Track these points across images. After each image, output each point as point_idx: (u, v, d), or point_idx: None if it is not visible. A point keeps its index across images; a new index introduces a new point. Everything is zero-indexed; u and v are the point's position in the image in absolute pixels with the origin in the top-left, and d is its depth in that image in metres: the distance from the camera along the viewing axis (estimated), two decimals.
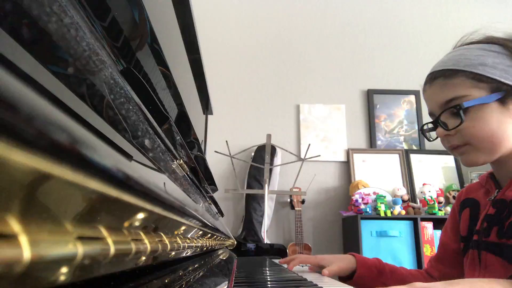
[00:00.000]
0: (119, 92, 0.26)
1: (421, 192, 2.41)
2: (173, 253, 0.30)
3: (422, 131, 0.81)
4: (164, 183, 0.26)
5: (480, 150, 0.68)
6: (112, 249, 0.15)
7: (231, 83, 2.82)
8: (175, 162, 0.47)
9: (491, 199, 0.72)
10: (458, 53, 0.72)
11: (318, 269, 0.91)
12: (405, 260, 2.19)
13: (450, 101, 0.69)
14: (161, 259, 0.27)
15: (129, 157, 0.20)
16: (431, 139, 0.79)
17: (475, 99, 0.67)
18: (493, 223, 0.68)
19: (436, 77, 0.73)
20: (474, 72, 0.67)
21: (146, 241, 0.21)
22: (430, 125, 0.77)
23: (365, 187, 2.46)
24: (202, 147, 1.26)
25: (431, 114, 0.76)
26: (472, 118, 0.67)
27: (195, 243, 0.42)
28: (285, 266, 1.01)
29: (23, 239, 0.09)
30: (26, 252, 0.09)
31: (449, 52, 0.76)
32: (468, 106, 0.67)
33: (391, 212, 2.29)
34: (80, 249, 0.12)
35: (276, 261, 1.25)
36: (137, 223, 0.20)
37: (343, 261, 0.88)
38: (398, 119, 2.82)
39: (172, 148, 0.46)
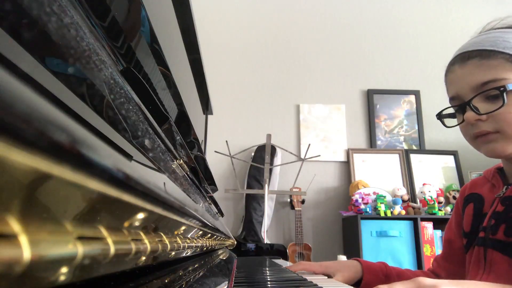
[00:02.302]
0: (119, 92, 0.26)
1: (421, 192, 2.41)
2: (173, 253, 0.30)
3: (439, 116, 0.75)
4: (164, 183, 0.26)
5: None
6: (112, 249, 0.15)
7: (231, 83, 2.82)
8: (175, 162, 0.47)
9: (499, 195, 0.70)
10: (493, 35, 0.67)
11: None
12: (405, 260, 2.19)
13: (487, 83, 0.65)
14: (161, 259, 0.27)
15: (129, 157, 0.20)
16: (448, 126, 0.75)
17: None
18: (501, 221, 0.67)
19: (471, 57, 0.67)
20: None
21: (146, 241, 0.21)
22: (450, 110, 0.73)
23: (365, 187, 2.46)
24: (202, 147, 1.26)
25: (455, 98, 0.70)
26: (510, 103, 0.63)
27: (195, 243, 0.42)
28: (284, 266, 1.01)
29: (23, 239, 0.09)
30: (26, 252, 0.09)
31: (479, 34, 0.71)
32: (509, 90, 0.62)
33: (391, 212, 2.29)
34: (80, 249, 0.12)
35: (277, 261, 1.25)
36: (137, 223, 0.20)
37: (349, 270, 0.84)
38: (398, 119, 2.82)
39: (172, 148, 0.46)
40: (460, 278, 0.83)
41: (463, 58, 0.68)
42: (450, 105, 0.73)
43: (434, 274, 0.89)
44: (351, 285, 0.83)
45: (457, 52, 0.71)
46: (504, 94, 0.62)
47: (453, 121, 0.74)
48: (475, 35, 0.71)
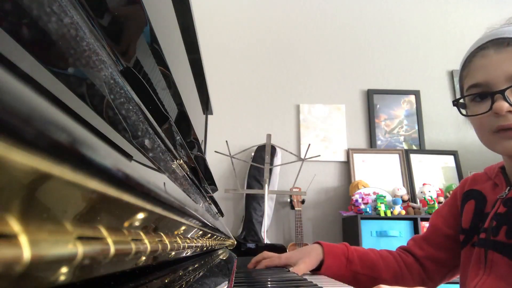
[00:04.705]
0: (119, 92, 0.26)
1: (421, 192, 2.41)
2: (173, 253, 0.30)
3: (456, 103, 0.71)
4: (164, 183, 0.26)
5: None
6: (112, 249, 0.15)
7: (231, 83, 2.82)
8: (175, 162, 0.47)
9: (502, 196, 0.69)
10: None
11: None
12: None
13: None
14: (161, 259, 0.27)
15: (129, 157, 0.20)
16: (465, 114, 0.70)
17: None
18: (502, 223, 0.66)
19: (510, 44, 0.63)
20: None
21: (146, 241, 0.21)
22: (468, 98, 0.68)
23: (365, 187, 2.46)
24: (202, 147, 1.26)
25: (480, 85, 0.66)
26: None
27: (195, 243, 0.42)
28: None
29: (23, 239, 0.09)
30: (26, 252, 0.09)
31: (510, 24, 0.67)
32: None
33: (391, 212, 2.29)
34: (80, 249, 0.12)
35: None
36: (137, 223, 0.20)
37: (309, 256, 0.83)
38: (398, 119, 2.82)
39: (172, 148, 0.46)
40: (432, 261, 0.84)
41: (501, 43, 0.63)
42: (471, 93, 0.68)
43: (408, 251, 0.88)
44: (314, 269, 0.83)
45: (487, 37, 0.67)
46: None
47: (472, 110, 0.69)
48: (506, 24, 0.67)
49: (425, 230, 2.22)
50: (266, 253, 0.91)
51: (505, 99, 0.61)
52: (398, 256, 0.88)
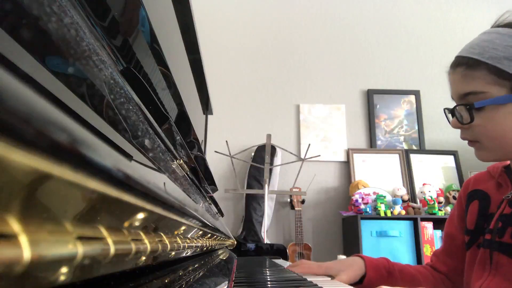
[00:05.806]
0: (119, 92, 0.26)
1: (421, 192, 2.41)
2: (173, 253, 0.30)
3: (444, 112, 0.77)
4: (164, 183, 0.26)
5: (490, 149, 0.66)
6: (112, 249, 0.15)
7: (231, 83, 2.82)
8: (175, 162, 0.47)
9: (507, 197, 0.69)
10: (488, 39, 0.65)
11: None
12: (405, 260, 2.19)
13: (467, 95, 0.65)
14: (161, 259, 0.27)
15: (129, 157, 0.20)
16: (450, 122, 0.75)
17: (490, 99, 0.62)
18: (508, 224, 0.66)
19: (460, 64, 0.67)
20: (497, 67, 0.61)
21: (146, 241, 0.21)
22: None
23: (365, 187, 2.46)
24: (202, 147, 1.26)
25: (452, 98, 0.72)
26: (485, 117, 0.64)
27: (195, 243, 0.42)
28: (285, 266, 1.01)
29: (23, 239, 0.09)
30: (26, 252, 0.09)
31: (483, 32, 0.69)
32: (481, 106, 0.63)
33: (391, 212, 2.29)
34: (80, 249, 0.12)
35: (277, 261, 1.25)
36: (137, 223, 0.20)
37: (351, 268, 0.82)
38: (398, 119, 2.82)
39: (172, 148, 0.46)
40: (460, 274, 0.83)
41: (455, 63, 0.69)
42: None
43: (433, 269, 0.88)
44: (355, 283, 0.82)
45: (459, 52, 0.71)
46: (472, 112, 0.64)
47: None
48: (485, 30, 0.69)
49: (425, 230, 2.24)
50: (304, 261, 0.91)
51: (456, 116, 0.68)
52: (431, 271, 0.88)
